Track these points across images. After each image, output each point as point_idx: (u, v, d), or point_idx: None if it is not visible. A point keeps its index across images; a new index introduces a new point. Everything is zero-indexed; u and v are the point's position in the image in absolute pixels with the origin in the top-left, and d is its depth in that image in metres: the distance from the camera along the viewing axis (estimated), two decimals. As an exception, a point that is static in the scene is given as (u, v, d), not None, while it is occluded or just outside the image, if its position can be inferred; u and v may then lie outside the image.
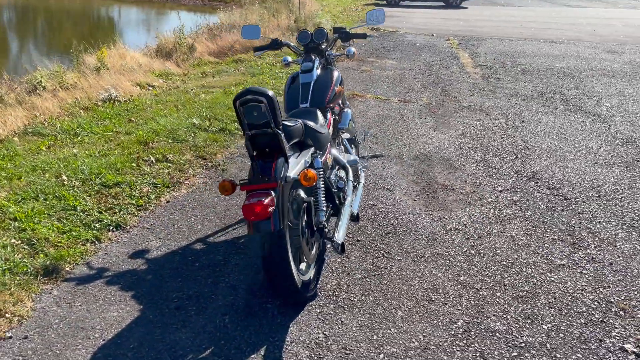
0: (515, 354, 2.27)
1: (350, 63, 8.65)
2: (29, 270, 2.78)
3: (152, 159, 4.27)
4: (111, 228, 3.26)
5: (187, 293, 2.67)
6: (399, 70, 8.27)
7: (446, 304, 2.60)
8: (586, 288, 2.75)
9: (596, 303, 2.62)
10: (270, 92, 2.27)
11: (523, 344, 2.33)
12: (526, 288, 2.74)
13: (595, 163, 4.50)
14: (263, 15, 12.41)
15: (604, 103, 6.49)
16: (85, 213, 3.39)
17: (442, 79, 7.65)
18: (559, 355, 2.26)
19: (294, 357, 2.24)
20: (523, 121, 5.71)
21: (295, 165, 2.43)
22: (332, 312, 2.53)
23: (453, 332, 2.40)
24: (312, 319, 2.49)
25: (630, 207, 3.68)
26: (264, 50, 3.56)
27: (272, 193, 2.26)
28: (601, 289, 2.74)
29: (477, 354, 2.26)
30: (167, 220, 3.39)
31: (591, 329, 2.43)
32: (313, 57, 3.32)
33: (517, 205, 3.69)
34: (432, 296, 2.66)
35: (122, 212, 3.43)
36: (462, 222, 3.43)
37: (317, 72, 3.22)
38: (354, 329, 2.42)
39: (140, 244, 3.11)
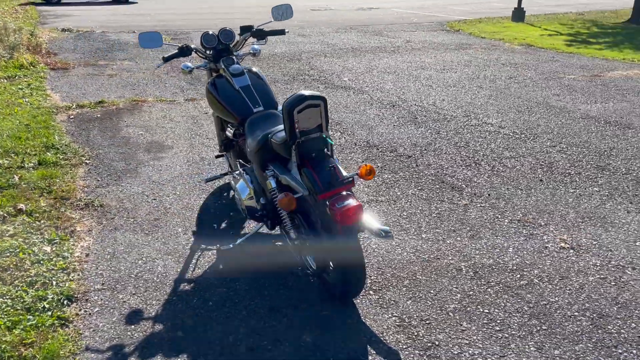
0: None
1: (92, 69, 7.83)
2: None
3: None
4: None
5: None
6: (145, 69, 7.91)
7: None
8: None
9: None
10: (324, 95, 2.29)
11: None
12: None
13: (394, 124, 5.50)
14: None
15: (343, 77, 7.69)
16: None
17: (198, 72, 7.69)
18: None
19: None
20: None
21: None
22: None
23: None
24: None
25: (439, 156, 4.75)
26: (172, 59, 3.22)
27: (352, 193, 2.31)
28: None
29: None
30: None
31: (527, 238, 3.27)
32: (235, 59, 3.21)
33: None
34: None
35: None
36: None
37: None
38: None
39: None
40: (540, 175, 4.20)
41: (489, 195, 3.86)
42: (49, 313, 2.49)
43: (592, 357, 2.27)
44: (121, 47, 9.75)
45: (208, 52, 3.32)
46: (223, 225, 3.45)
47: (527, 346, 2.34)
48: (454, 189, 3.97)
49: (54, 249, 3.03)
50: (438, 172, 4.28)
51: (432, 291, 2.74)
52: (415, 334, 2.43)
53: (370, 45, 10.28)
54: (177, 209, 3.62)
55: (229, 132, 3.20)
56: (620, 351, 2.31)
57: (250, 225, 3.42)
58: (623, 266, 2.95)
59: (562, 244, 3.19)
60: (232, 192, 3.88)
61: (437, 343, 2.37)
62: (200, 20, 13.86)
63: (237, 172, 3.18)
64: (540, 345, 2.35)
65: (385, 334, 2.43)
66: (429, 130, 5.29)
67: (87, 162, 4.37)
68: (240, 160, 3.36)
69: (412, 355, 2.29)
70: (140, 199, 3.75)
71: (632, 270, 2.91)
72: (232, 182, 3.26)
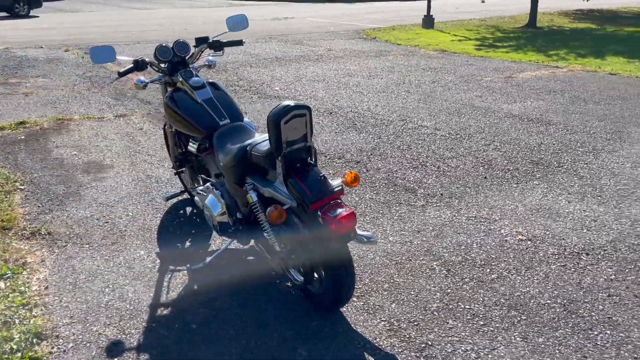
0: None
1: (3, 88, 7.25)
2: None
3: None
4: None
5: None
6: (64, 86, 7.46)
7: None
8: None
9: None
10: (308, 104, 2.28)
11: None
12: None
13: (335, 131, 5.56)
14: None
15: (274, 87, 7.68)
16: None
17: (122, 87, 7.35)
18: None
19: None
20: (246, 113, 6.31)
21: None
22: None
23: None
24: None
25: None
26: (128, 73, 3.05)
27: (341, 202, 2.31)
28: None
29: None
30: None
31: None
32: (193, 71, 3.11)
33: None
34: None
35: None
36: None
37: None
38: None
39: None
40: (483, 173, 4.42)
41: (442, 195, 4.01)
42: (19, 354, 2.28)
43: (573, 341, 2.42)
44: (30, 63, 9.12)
45: (163, 65, 3.19)
46: (187, 244, 3.33)
47: (512, 337, 2.46)
48: (407, 190, 4.09)
49: (8, 284, 2.77)
50: (389, 175, 4.39)
51: (412, 292, 2.80)
52: (407, 336, 2.46)
53: (293, 55, 10.33)
54: (134, 230, 3.44)
55: (192, 147, 3.09)
56: (595, 333, 2.48)
57: (217, 242, 3.32)
58: (578, 253, 3.18)
59: (520, 237, 3.38)
60: (189, 209, 3.76)
61: (429, 343, 2.42)
62: (114, 33, 13.27)
63: (202, 187, 3.08)
64: (525, 334, 2.47)
65: (378, 339, 2.45)
66: (371, 135, 5.41)
67: (22, 187, 4.04)
68: (203, 176, 3.26)
69: (409, 358, 2.33)
70: (91, 223, 3.52)
71: (587, 255, 3.14)
72: (198, 198, 3.15)
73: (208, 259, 3.02)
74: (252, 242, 3.00)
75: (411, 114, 6.19)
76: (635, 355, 2.32)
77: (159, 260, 3.10)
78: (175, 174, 3.67)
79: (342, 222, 2.22)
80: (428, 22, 14.45)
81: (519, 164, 4.62)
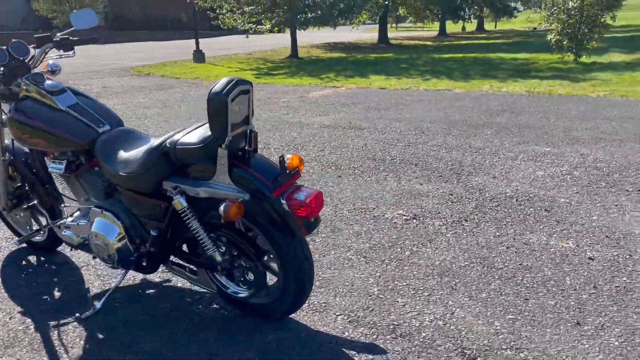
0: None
1: None
2: None
3: None
4: None
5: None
6: None
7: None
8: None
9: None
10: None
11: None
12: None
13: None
14: None
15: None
16: None
17: None
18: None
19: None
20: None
21: None
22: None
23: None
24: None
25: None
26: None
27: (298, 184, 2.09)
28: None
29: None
30: None
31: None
32: (44, 75, 2.49)
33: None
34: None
35: None
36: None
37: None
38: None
39: None
40: (336, 173, 4.51)
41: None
42: None
43: (508, 289, 2.58)
44: None
45: (-3, 71, 2.48)
46: (56, 293, 2.61)
47: (461, 299, 2.51)
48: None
49: None
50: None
51: (346, 284, 2.66)
52: (372, 322, 2.32)
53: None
54: (-32, 295, 2.57)
55: (56, 168, 2.45)
56: (519, 278, 2.69)
57: (96, 284, 2.68)
58: (458, 221, 3.43)
59: (404, 217, 3.51)
60: (32, 258, 2.98)
61: (396, 323, 2.31)
62: None
63: (77, 215, 2.48)
64: (469, 294, 2.54)
65: (346, 332, 2.25)
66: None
67: None
68: (66, 204, 2.63)
69: (387, 341, 2.19)
70: None
71: (466, 222, 3.42)
72: (69, 232, 2.52)
73: (99, 304, 2.41)
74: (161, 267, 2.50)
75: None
76: (562, 287, 2.58)
77: (29, 320, 2.36)
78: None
79: (312, 204, 1.99)
80: (199, 57, 14.46)
81: (360, 162, 4.85)
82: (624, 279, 2.64)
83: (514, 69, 11.71)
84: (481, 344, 2.15)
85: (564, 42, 11.93)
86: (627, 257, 2.87)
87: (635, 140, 5.27)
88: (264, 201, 2.03)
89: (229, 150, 1.99)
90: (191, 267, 2.37)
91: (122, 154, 2.28)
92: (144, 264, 2.36)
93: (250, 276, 2.23)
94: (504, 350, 2.11)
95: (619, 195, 3.82)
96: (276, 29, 15.88)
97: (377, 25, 23.45)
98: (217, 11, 15.92)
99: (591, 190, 3.92)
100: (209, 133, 2.01)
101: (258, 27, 16.02)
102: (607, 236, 3.13)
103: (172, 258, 2.42)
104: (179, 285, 2.67)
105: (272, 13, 15.25)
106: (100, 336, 2.24)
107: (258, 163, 2.07)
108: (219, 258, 2.17)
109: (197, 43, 14.68)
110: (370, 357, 2.08)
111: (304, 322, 2.33)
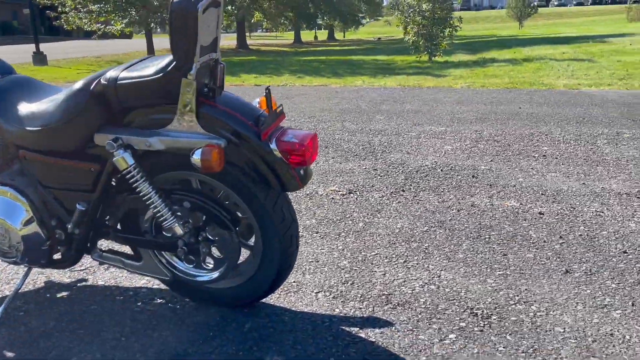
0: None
1: None
2: None
3: None
4: None
5: None
6: None
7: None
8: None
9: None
10: None
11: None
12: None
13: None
14: None
15: None
16: None
17: None
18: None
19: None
20: None
21: None
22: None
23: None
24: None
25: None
26: None
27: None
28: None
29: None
30: None
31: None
32: None
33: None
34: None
35: None
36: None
37: None
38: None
39: None
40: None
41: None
42: None
43: (482, 247, 2.41)
44: None
45: None
46: None
47: (439, 262, 2.27)
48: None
49: None
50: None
51: (310, 260, 2.29)
52: (360, 295, 1.98)
53: None
54: None
55: None
56: (494, 233, 2.54)
57: (-17, 294, 1.99)
58: (396, 192, 3.23)
59: (340, 193, 3.22)
60: None
61: (386, 292, 2.00)
62: None
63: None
64: (446, 256, 2.32)
65: (337, 309, 1.89)
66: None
67: None
68: None
69: (385, 310, 1.86)
70: None
71: (404, 192, 3.23)
72: None
73: (1, 309, 1.77)
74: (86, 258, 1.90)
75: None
76: (531, 241, 2.47)
77: None
78: None
79: (310, 147, 1.60)
80: (40, 58, 12.86)
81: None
82: (582, 227, 2.62)
83: (378, 68, 12.11)
84: (487, 302, 1.93)
85: (420, 42, 12.66)
86: (571, 209, 2.87)
87: (514, 119, 5.58)
88: (243, 148, 1.59)
89: (198, 80, 1.53)
90: (131, 252, 1.82)
91: (25, 106, 1.69)
92: (60, 255, 1.77)
93: (218, 253, 1.76)
94: (514, 305, 1.90)
95: (529, 160, 3.92)
96: (128, 29, 14.72)
97: (234, 33, 23.13)
98: (60, 9, 14.30)
99: (504, 158, 3.98)
100: (168, 60, 1.53)
101: (107, 27, 14.70)
102: (542, 194, 3.14)
103: (100, 244, 1.86)
104: (100, 283, 2.09)
105: (124, 12, 14.06)
106: (10, 354, 1.61)
107: (232, 101, 1.63)
108: (180, 231, 1.68)
109: (37, 43, 13.02)
110: (378, 331, 1.75)
111: (281, 305, 1.92)
